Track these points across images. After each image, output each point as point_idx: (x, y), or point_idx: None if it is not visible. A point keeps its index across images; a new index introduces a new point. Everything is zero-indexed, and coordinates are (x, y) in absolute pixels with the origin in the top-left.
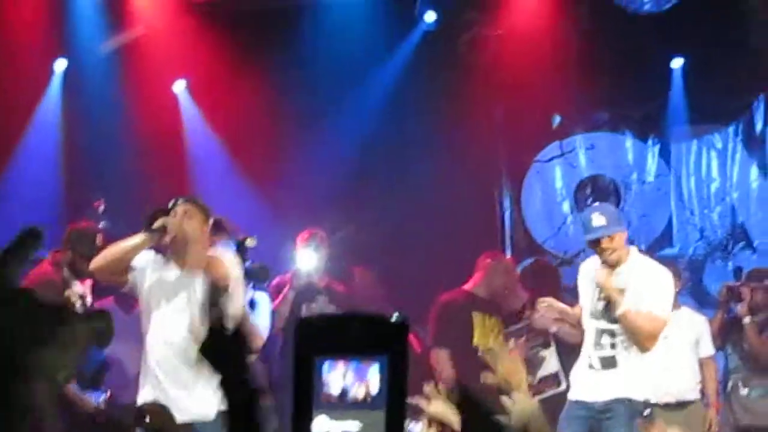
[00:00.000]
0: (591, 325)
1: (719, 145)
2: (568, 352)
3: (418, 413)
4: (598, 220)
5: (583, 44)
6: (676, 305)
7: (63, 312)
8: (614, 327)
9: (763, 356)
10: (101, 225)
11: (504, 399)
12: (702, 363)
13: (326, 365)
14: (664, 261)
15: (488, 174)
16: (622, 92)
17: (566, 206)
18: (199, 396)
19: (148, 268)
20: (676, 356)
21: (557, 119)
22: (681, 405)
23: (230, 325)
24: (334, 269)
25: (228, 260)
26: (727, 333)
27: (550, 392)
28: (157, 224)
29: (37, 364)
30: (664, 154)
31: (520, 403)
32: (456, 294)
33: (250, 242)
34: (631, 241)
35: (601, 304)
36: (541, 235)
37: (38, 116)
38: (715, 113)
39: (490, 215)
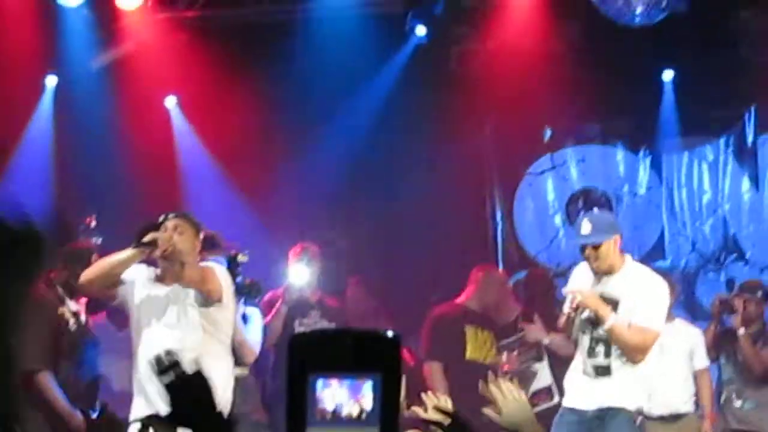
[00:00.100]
0: (586, 334)
1: (710, 157)
2: (561, 365)
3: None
4: (585, 227)
5: (574, 57)
6: (670, 317)
7: None
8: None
9: (757, 368)
10: (93, 240)
11: (493, 391)
12: (697, 375)
13: (320, 382)
14: (657, 273)
15: (480, 187)
16: (613, 105)
17: (558, 219)
18: None
19: (138, 283)
20: (670, 368)
21: (548, 132)
22: (675, 417)
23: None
24: (326, 284)
25: (221, 273)
26: (720, 345)
27: (543, 405)
28: (147, 239)
29: None
30: (656, 167)
31: (512, 400)
32: (448, 307)
33: (242, 258)
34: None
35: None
36: (534, 248)
37: (30, 132)
38: (706, 125)
39: (482, 228)
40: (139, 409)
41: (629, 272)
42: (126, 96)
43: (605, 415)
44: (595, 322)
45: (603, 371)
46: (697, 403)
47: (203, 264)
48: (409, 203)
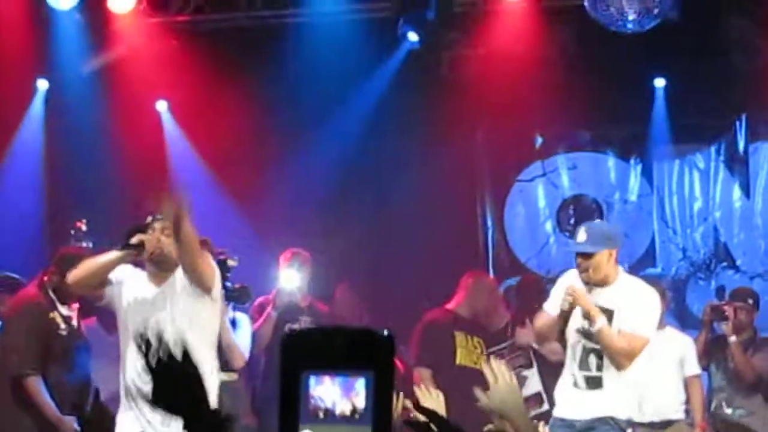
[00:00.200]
0: (579, 344)
1: (701, 165)
2: (550, 372)
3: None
4: (580, 236)
5: (566, 63)
6: (661, 325)
7: None
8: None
9: (747, 375)
10: (84, 245)
11: (486, 371)
12: (688, 382)
13: (313, 380)
14: (648, 280)
15: (471, 193)
16: (605, 112)
17: (549, 226)
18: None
19: (125, 284)
20: (660, 375)
21: (539, 139)
22: (665, 424)
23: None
24: (316, 289)
25: (213, 261)
26: (711, 352)
27: (533, 412)
28: (133, 241)
29: None
30: (647, 174)
31: (504, 384)
32: (438, 313)
33: (231, 262)
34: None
35: (589, 324)
36: (524, 255)
37: (21, 135)
38: (698, 133)
39: (472, 234)
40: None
41: (623, 284)
42: (117, 100)
43: (596, 425)
44: (588, 333)
45: (595, 384)
46: (688, 411)
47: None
48: (400, 209)
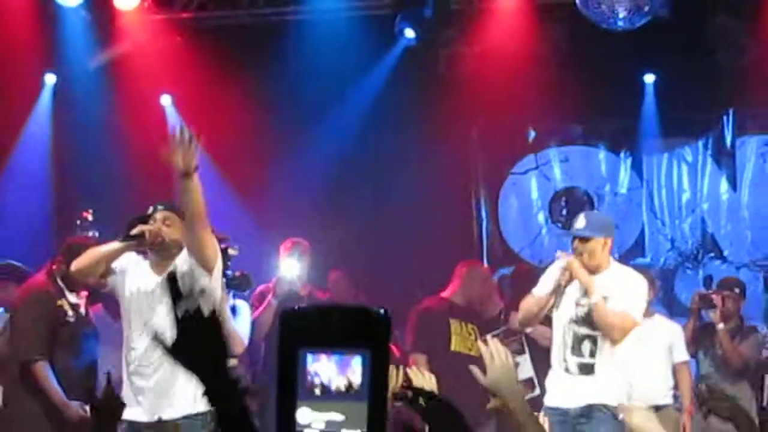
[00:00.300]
0: (570, 331)
1: (690, 158)
2: (542, 358)
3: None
4: (580, 221)
5: (558, 60)
6: (650, 313)
7: None
8: (596, 333)
9: (735, 362)
10: (90, 234)
11: (482, 349)
12: (676, 368)
13: (310, 357)
14: (638, 270)
15: (466, 185)
16: (596, 107)
17: (541, 217)
18: (178, 399)
19: (128, 273)
20: (649, 362)
21: (532, 133)
22: (654, 409)
23: (206, 309)
24: (315, 278)
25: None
26: (699, 340)
27: (526, 396)
28: (135, 232)
29: None
30: (637, 167)
31: (500, 363)
32: (434, 301)
33: (232, 251)
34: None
35: (582, 310)
36: (517, 245)
37: (29, 129)
38: (686, 127)
39: (467, 225)
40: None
41: (614, 272)
42: (122, 94)
43: (588, 412)
44: (581, 320)
45: (587, 370)
46: (676, 396)
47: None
48: (397, 201)
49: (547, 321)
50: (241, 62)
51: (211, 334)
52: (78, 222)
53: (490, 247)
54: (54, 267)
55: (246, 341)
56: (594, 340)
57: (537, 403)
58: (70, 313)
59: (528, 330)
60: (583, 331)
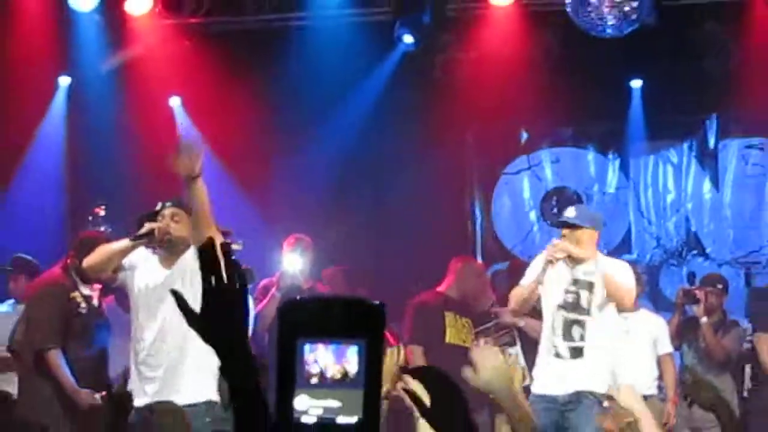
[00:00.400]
0: (559, 317)
1: (675, 160)
2: (533, 350)
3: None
4: (570, 212)
5: (550, 65)
6: (636, 307)
7: None
8: (585, 318)
9: (718, 354)
10: (102, 229)
11: (473, 352)
12: (661, 360)
13: (307, 347)
14: None
15: (461, 185)
16: (586, 110)
17: (533, 215)
18: (184, 388)
19: (138, 268)
20: (635, 354)
21: (525, 135)
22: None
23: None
24: (317, 272)
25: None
26: (683, 333)
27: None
28: (144, 229)
29: None
30: (624, 168)
31: (489, 363)
32: (430, 295)
33: (236, 246)
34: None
35: (571, 296)
36: (510, 242)
37: (44, 129)
38: (671, 130)
39: (462, 223)
40: (136, 390)
41: (600, 261)
42: (134, 95)
43: (576, 398)
44: (569, 306)
45: (577, 353)
46: (661, 387)
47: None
48: (395, 199)
49: (537, 315)
50: (247, 65)
51: (237, 305)
52: (90, 218)
53: (484, 244)
54: (69, 261)
55: (249, 331)
56: (582, 325)
57: (527, 393)
58: (83, 304)
59: (520, 323)
60: (572, 316)
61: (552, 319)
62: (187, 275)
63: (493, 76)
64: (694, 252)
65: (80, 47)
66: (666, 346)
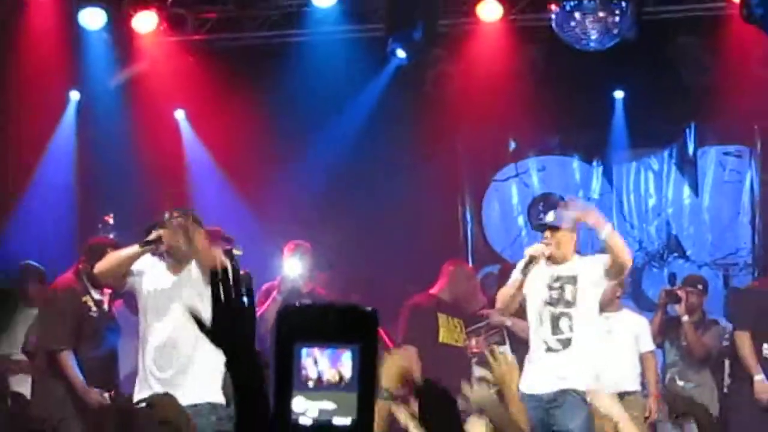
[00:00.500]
0: (546, 312)
1: (656, 167)
2: (521, 349)
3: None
4: (550, 216)
5: (536, 78)
6: (619, 307)
7: None
8: (571, 310)
9: (698, 351)
10: (111, 236)
11: (464, 387)
12: (643, 357)
13: (304, 351)
14: None
15: (452, 192)
16: (570, 120)
17: (521, 220)
18: (189, 389)
19: (145, 274)
20: (617, 351)
21: (513, 144)
22: (622, 395)
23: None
24: (316, 276)
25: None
26: (665, 331)
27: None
28: (152, 237)
29: None
30: (607, 175)
31: (479, 392)
32: (423, 297)
33: (236, 251)
34: (578, 251)
35: (556, 292)
36: (499, 246)
37: (54, 141)
38: (652, 139)
39: (453, 228)
40: (142, 390)
41: (579, 259)
42: (140, 108)
43: (560, 396)
44: (554, 301)
45: (566, 343)
46: (643, 383)
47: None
48: (390, 205)
49: (525, 316)
50: (247, 79)
51: (246, 320)
52: (100, 225)
53: (475, 248)
54: (79, 266)
55: None
56: (569, 316)
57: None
58: (94, 308)
59: (508, 323)
60: (559, 309)
61: (539, 316)
62: (192, 280)
63: (483, 88)
64: (675, 254)
65: (89, 63)
66: (647, 344)
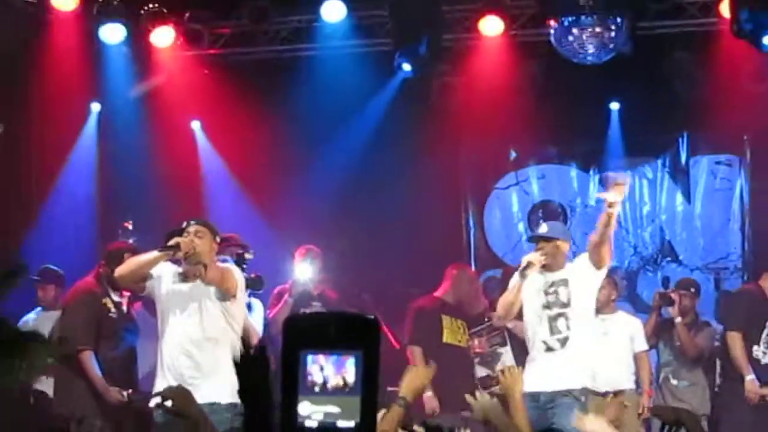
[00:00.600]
0: (545, 316)
1: (650, 175)
2: (522, 350)
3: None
4: (542, 228)
5: (536, 90)
6: (614, 309)
7: None
8: (567, 310)
9: (691, 351)
10: (130, 241)
11: (468, 397)
12: (637, 357)
13: (310, 358)
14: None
15: (456, 199)
16: (568, 131)
17: (521, 226)
18: (205, 388)
19: (164, 279)
20: (613, 351)
21: (513, 153)
22: (617, 393)
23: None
24: (326, 279)
25: (236, 273)
26: (659, 332)
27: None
28: (171, 243)
29: None
30: (604, 183)
31: (481, 400)
32: (428, 300)
33: (248, 256)
34: (574, 254)
35: (552, 296)
36: (501, 250)
37: (76, 151)
38: (647, 148)
39: (457, 233)
40: (160, 384)
41: (569, 263)
42: (158, 120)
43: (556, 397)
44: (550, 304)
45: (564, 342)
46: (637, 382)
47: (222, 265)
48: (396, 212)
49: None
50: (260, 92)
51: (261, 378)
52: (120, 231)
53: (477, 253)
54: (99, 270)
55: (260, 334)
56: (566, 316)
57: None
58: (113, 310)
59: (509, 325)
60: (555, 311)
61: (538, 320)
62: (210, 287)
63: (484, 100)
64: (668, 259)
65: (109, 77)
66: (641, 344)
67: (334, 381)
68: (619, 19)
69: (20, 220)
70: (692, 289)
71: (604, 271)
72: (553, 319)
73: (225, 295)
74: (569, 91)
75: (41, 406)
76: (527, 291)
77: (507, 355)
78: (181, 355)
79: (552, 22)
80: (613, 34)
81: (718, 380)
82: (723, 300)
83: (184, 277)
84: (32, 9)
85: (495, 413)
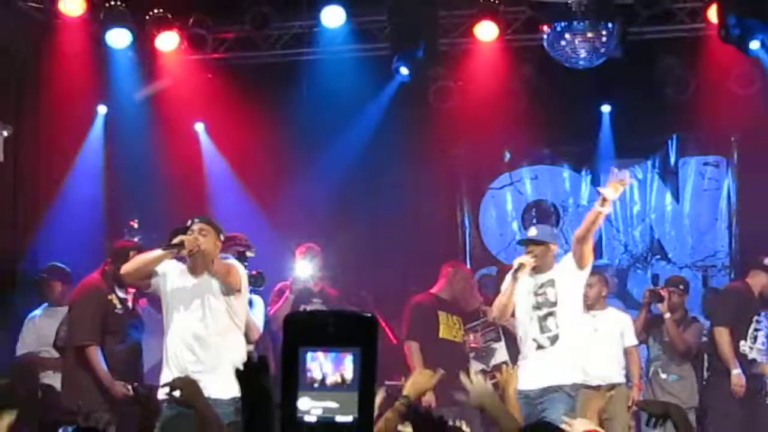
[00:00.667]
0: (535, 316)
1: (640, 176)
2: (515, 345)
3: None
4: (532, 231)
5: (529, 93)
6: (604, 305)
7: None
8: (555, 309)
9: (680, 347)
10: (136, 239)
11: (463, 379)
12: (627, 351)
13: (309, 355)
14: (596, 270)
15: (452, 199)
16: (561, 132)
17: (515, 225)
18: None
19: (169, 275)
20: (603, 346)
21: (507, 154)
22: (608, 387)
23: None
24: (326, 276)
25: (240, 269)
26: (649, 328)
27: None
28: (175, 240)
29: None
30: (595, 183)
31: (477, 385)
32: (424, 296)
33: (249, 253)
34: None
35: (541, 297)
36: (495, 249)
37: (83, 153)
38: (637, 150)
39: (453, 232)
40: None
41: (556, 266)
42: (163, 122)
43: (546, 394)
44: (540, 305)
45: (554, 339)
46: (627, 376)
47: (227, 261)
48: (393, 211)
49: None
50: (262, 95)
51: (262, 390)
52: (126, 229)
53: (472, 251)
54: (105, 267)
55: (261, 329)
56: (554, 314)
57: None
58: (119, 306)
59: (503, 321)
60: (545, 311)
61: (528, 320)
62: (214, 282)
63: (480, 102)
64: (658, 257)
65: (116, 80)
66: (631, 339)
67: (332, 377)
68: (610, 25)
69: (29, 220)
70: (681, 286)
71: (587, 270)
72: (542, 319)
73: (229, 289)
74: (562, 94)
75: (49, 400)
76: (519, 292)
77: (501, 350)
78: (185, 350)
79: (545, 28)
80: (604, 39)
81: (705, 374)
82: (711, 297)
83: (192, 270)
84: (40, 15)
85: (491, 400)
